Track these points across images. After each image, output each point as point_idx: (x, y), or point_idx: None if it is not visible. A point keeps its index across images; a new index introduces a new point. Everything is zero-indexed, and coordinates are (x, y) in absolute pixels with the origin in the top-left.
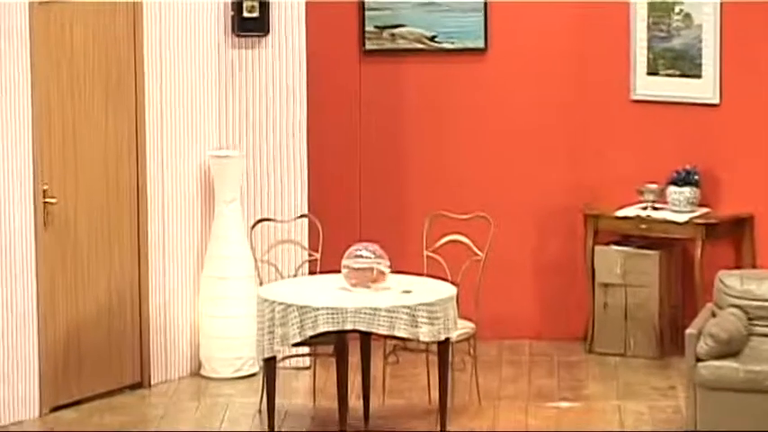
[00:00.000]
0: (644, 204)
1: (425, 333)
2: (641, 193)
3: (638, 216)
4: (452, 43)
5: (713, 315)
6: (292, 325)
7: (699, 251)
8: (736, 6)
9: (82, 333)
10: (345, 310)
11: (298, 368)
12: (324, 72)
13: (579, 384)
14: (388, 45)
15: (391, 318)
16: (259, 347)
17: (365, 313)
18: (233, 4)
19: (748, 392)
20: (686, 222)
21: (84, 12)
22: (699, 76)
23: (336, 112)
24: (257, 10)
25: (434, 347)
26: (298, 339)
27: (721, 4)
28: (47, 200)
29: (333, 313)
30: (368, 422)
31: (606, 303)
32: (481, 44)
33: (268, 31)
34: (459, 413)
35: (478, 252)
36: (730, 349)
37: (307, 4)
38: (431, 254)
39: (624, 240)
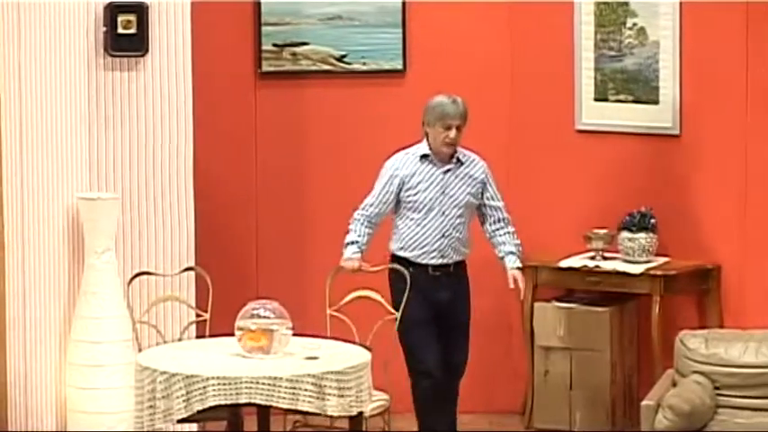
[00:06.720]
0: (592, 253)
1: (334, 406)
2: (588, 239)
3: (585, 267)
4: (365, 64)
5: (674, 384)
6: (177, 398)
7: (656, 308)
8: (699, 20)
9: None
10: (240, 381)
11: None
12: (214, 99)
13: None
14: (289, 66)
15: (294, 389)
16: (137, 424)
17: (263, 384)
18: (105, 17)
19: None
20: (641, 274)
21: None
22: (656, 102)
23: (228, 147)
24: (134, 25)
25: (345, 423)
26: (183, 415)
27: (681, 17)
28: None
29: (225, 384)
30: None
31: (547, 370)
32: (399, 65)
33: (147, 50)
34: None
35: (393, 310)
36: (692, 424)
37: (193, 18)
38: (335, 313)
39: (568, 296)
